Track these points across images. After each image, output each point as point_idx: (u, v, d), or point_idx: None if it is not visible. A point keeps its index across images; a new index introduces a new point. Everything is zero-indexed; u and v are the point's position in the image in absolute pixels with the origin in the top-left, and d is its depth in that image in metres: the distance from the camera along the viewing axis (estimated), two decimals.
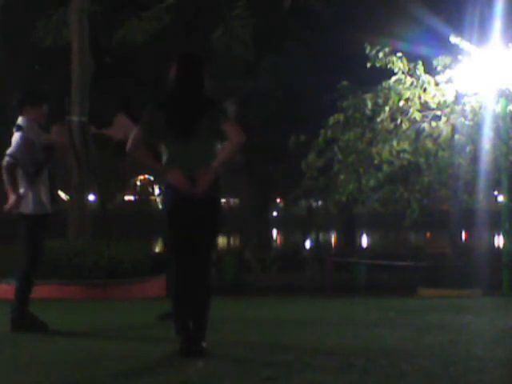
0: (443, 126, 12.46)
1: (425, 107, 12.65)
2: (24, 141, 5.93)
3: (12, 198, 5.85)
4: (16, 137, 5.98)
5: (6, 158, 5.89)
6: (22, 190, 5.90)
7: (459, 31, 12.65)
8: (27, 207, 5.95)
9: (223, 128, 4.69)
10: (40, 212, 5.99)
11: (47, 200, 6.03)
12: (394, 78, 12.49)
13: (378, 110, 12.82)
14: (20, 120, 6.05)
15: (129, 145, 4.73)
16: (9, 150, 5.91)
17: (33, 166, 5.94)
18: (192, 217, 4.70)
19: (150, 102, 4.90)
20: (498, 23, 12.15)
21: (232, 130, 4.69)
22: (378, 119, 12.80)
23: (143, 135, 4.72)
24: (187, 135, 4.66)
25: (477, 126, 12.30)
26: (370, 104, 12.77)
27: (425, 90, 12.46)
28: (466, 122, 12.36)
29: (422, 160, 12.70)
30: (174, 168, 4.67)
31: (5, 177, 5.87)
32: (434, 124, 12.55)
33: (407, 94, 12.47)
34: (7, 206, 5.91)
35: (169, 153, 4.73)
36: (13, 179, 5.85)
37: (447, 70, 12.29)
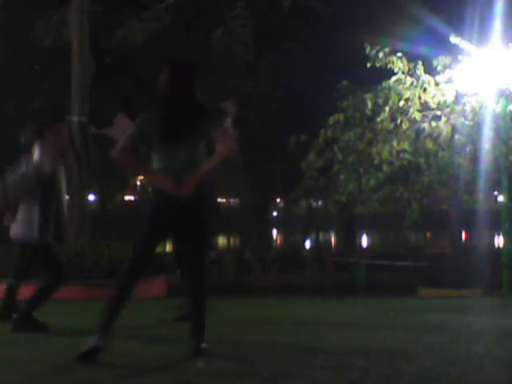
0: (443, 126, 12.45)
1: (425, 107, 12.64)
2: (27, 176, 5.98)
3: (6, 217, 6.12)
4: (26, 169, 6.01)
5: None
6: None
7: (459, 31, 12.63)
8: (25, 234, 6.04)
9: (214, 135, 4.66)
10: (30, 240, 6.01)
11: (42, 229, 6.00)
12: (393, 78, 12.48)
13: (378, 109, 12.81)
14: (37, 149, 5.96)
15: (116, 148, 4.65)
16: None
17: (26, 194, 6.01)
18: (177, 219, 4.69)
19: (147, 105, 4.88)
20: (498, 23, 12.14)
21: (223, 137, 4.66)
22: (378, 119, 12.79)
23: (134, 139, 4.68)
24: (177, 141, 4.63)
25: (477, 126, 12.29)
26: (370, 104, 12.77)
27: (425, 90, 12.45)
28: (466, 122, 12.35)
29: (422, 160, 12.69)
30: (162, 172, 4.64)
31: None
32: (434, 124, 12.53)
33: (407, 94, 12.46)
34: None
35: (158, 157, 4.69)
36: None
37: (447, 70, 12.28)
